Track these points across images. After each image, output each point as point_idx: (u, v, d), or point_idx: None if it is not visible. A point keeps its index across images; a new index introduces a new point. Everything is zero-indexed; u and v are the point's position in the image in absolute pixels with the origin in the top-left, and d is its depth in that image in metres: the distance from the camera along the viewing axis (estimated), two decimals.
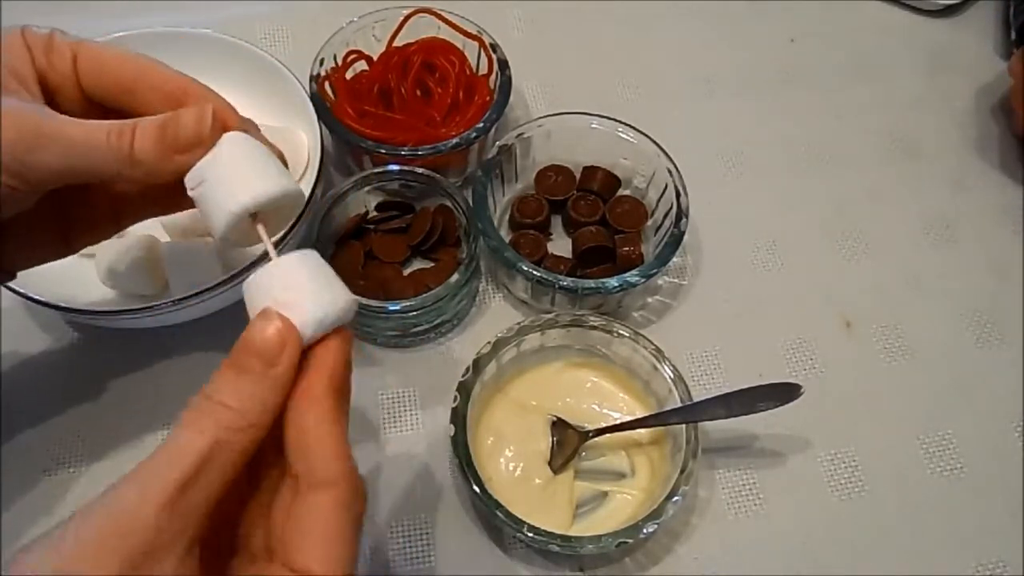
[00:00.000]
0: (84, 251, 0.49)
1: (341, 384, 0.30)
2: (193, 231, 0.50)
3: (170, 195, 0.37)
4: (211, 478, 0.26)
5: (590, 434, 0.46)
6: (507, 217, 0.56)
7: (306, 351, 0.29)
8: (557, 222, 0.57)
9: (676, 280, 0.55)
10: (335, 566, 0.27)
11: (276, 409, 0.28)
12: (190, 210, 0.50)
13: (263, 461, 0.30)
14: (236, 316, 0.52)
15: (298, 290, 0.30)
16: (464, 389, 0.45)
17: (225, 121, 0.34)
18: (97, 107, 0.35)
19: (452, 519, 0.46)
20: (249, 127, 0.35)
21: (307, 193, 0.49)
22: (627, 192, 0.56)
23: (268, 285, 0.30)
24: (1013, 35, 0.67)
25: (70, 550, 0.25)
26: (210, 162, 0.32)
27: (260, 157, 0.33)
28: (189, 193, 0.33)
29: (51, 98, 0.35)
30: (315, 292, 0.30)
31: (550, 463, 0.46)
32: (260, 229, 0.33)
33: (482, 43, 0.57)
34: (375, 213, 0.54)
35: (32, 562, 0.25)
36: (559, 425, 0.47)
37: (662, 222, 0.53)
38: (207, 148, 0.32)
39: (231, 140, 0.33)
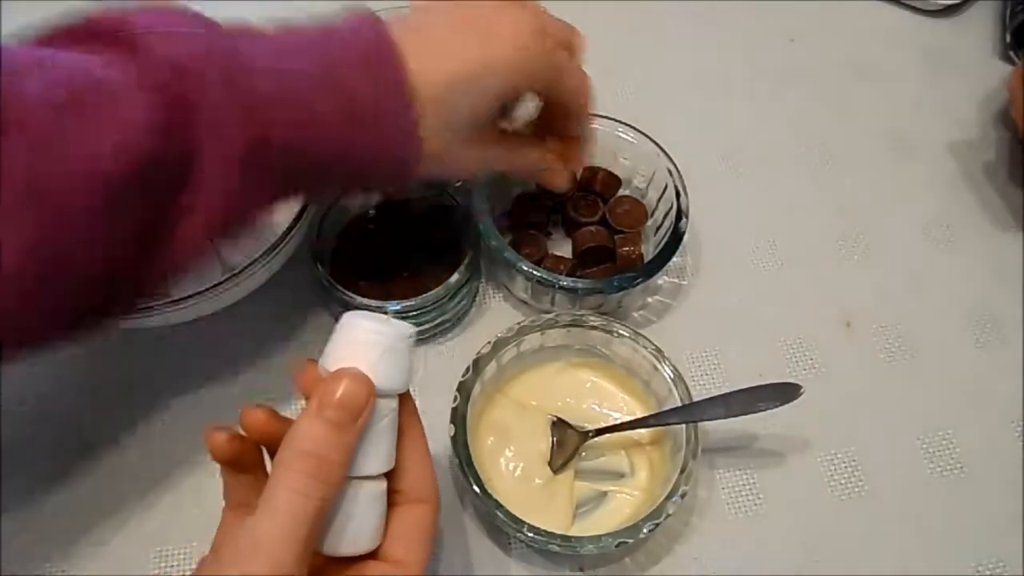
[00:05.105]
0: None
1: (420, 423, 0.37)
2: None
3: None
4: (319, 526, 0.31)
5: (590, 434, 0.46)
6: (507, 217, 0.56)
7: None
8: (557, 222, 0.57)
9: (676, 280, 0.55)
10: (425, 558, 0.34)
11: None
12: None
13: None
14: (236, 316, 0.52)
15: (393, 365, 0.33)
16: (464, 389, 0.45)
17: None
18: None
19: (452, 519, 0.46)
20: None
21: None
22: (627, 192, 0.56)
23: (372, 344, 0.32)
24: (1008, 37, 0.67)
25: None
26: None
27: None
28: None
29: None
30: (401, 372, 0.33)
31: (550, 463, 0.46)
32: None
33: None
34: (375, 213, 0.54)
35: None
36: (559, 425, 0.47)
37: (662, 222, 0.53)
38: None
39: None
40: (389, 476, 0.34)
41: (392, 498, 0.34)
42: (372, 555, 0.34)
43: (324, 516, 0.31)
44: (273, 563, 0.29)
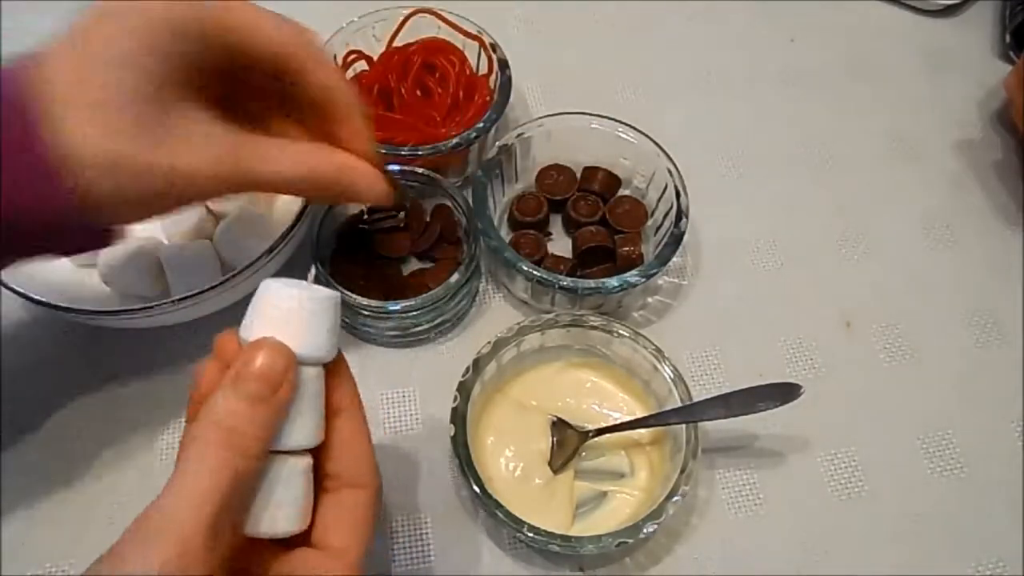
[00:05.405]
0: (83, 259, 0.50)
1: (359, 400, 0.34)
2: (193, 232, 0.50)
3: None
4: (235, 504, 0.29)
5: (590, 434, 0.46)
6: (507, 217, 0.56)
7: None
8: (557, 222, 0.57)
9: (676, 280, 0.55)
10: (362, 545, 0.32)
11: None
12: (190, 212, 0.50)
13: None
14: (236, 316, 0.52)
15: (315, 332, 0.31)
16: (464, 389, 0.45)
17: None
18: None
19: (452, 519, 0.46)
20: None
21: None
22: (627, 192, 0.56)
23: (291, 311, 0.31)
24: (1008, 37, 0.67)
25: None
26: None
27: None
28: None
29: None
30: (324, 339, 0.31)
31: (550, 463, 0.46)
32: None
33: (482, 43, 0.57)
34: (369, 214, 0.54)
35: None
36: (559, 425, 0.47)
37: (662, 222, 0.53)
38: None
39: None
40: (323, 459, 0.32)
41: (326, 483, 0.32)
42: (306, 543, 0.32)
43: (241, 494, 0.29)
44: (179, 540, 0.27)
